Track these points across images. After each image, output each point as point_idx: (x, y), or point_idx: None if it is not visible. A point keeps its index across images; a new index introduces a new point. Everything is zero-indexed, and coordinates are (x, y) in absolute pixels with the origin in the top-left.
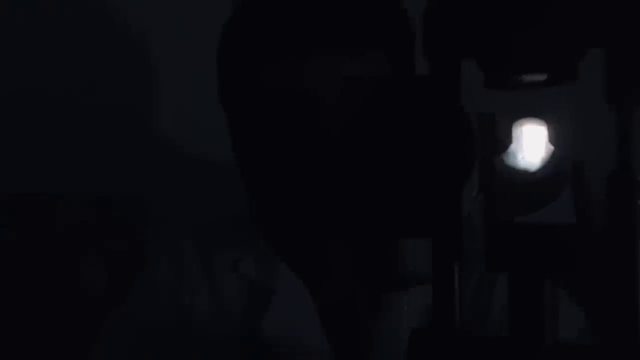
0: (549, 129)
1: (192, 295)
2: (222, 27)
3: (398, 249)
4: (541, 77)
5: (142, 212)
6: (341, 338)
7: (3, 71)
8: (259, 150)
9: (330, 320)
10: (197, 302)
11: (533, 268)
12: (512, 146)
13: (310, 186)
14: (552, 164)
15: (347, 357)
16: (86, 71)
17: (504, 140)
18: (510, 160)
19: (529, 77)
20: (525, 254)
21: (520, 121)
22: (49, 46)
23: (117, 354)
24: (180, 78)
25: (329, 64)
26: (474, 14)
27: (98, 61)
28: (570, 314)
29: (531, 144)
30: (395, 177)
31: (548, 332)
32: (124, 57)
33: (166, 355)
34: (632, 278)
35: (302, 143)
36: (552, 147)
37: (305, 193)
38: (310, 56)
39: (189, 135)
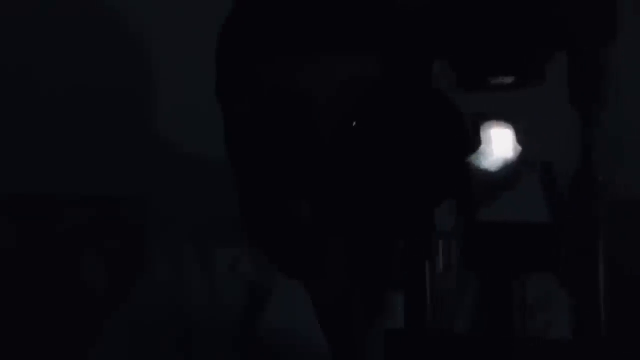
0: (517, 130)
1: (191, 295)
2: (221, 26)
3: (395, 248)
4: (509, 79)
5: (142, 212)
6: (340, 338)
7: (3, 71)
8: (253, 148)
9: (329, 320)
10: (197, 302)
11: (506, 267)
12: (482, 147)
13: (303, 185)
14: (520, 165)
15: (346, 357)
16: (86, 71)
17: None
18: (480, 161)
19: (496, 79)
20: (498, 252)
21: (488, 123)
22: (49, 46)
23: (117, 354)
24: (180, 78)
25: (324, 65)
26: (445, 16)
27: (97, 61)
28: (567, 313)
29: (499, 146)
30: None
31: (519, 329)
32: (124, 56)
33: (166, 355)
34: (594, 274)
35: (295, 143)
36: (519, 148)
37: (298, 192)
38: (307, 56)
39: (189, 135)
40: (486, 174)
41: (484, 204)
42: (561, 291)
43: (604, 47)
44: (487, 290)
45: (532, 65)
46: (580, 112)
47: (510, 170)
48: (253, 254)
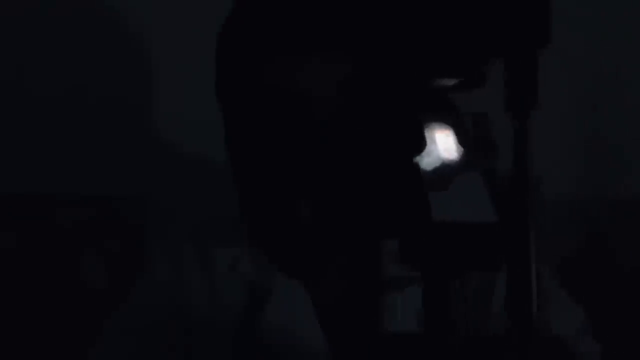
0: (459, 132)
1: (191, 295)
2: (221, 26)
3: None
4: (450, 82)
5: (142, 212)
6: (339, 338)
7: (3, 71)
8: (253, 148)
9: (329, 320)
10: (197, 302)
11: (449, 266)
12: (427, 148)
13: (303, 185)
14: (464, 166)
15: (345, 356)
16: (86, 71)
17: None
18: (424, 162)
19: (439, 81)
20: (442, 252)
21: (431, 124)
22: (49, 46)
23: (117, 354)
24: (180, 78)
25: (324, 65)
26: (390, 19)
27: (98, 61)
28: (569, 313)
29: (442, 146)
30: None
31: (461, 327)
32: (124, 56)
33: (166, 355)
34: (527, 271)
35: (294, 142)
36: (462, 150)
37: (298, 192)
38: (306, 56)
39: (189, 135)
40: (430, 174)
41: (431, 203)
42: (561, 291)
43: (539, 52)
44: (429, 290)
45: (474, 69)
46: (514, 114)
47: (454, 171)
48: (253, 254)
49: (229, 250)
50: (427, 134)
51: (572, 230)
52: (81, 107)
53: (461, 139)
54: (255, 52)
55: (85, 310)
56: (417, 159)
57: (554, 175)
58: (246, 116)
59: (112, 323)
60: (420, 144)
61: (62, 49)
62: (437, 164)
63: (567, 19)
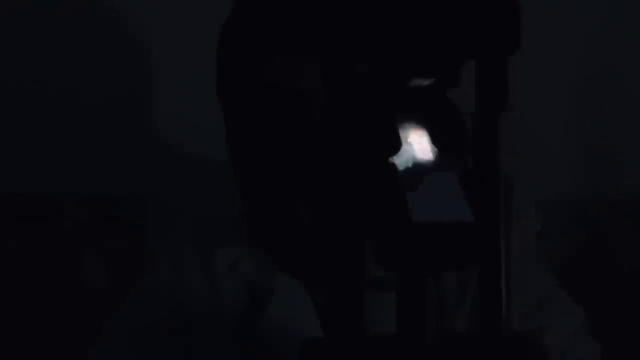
0: (434, 132)
1: (191, 295)
2: (221, 26)
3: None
4: (424, 82)
5: (142, 212)
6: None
7: (3, 72)
8: (253, 148)
9: (329, 320)
10: (197, 302)
11: (426, 266)
12: (402, 148)
13: (303, 185)
14: (438, 166)
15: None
16: (86, 71)
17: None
18: (399, 162)
19: (413, 81)
20: (420, 252)
21: (405, 124)
22: (49, 46)
23: (117, 354)
24: (180, 78)
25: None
26: (362, 19)
27: (98, 61)
28: (569, 313)
29: (417, 147)
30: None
31: (430, 329)
32: (124, 56)
33: (166, 354)
34: (497, 270)
35: (295, 142)
36: (436, 150)
37: (298, 192)
38: (306, 56)
39: (189, 135)
40: (404, 174)
41: (407, 203)
42: (561, 291)
43: (509, 55)
44: (403, 290)
45: (447, 69)
46: (485, 116)
47: (428, 171)
48: (253, 254)
49: (229, 250)
50: (401, 134)
51: (572, 230)
52: (81, 107)
53: (435, 139)
54: (256, 52)
55: (85, 310)
56: (393, 159)
57: (554, 175)
58: (247, 116)
59: (112, 323)
60: (395, 144)
61: (61, 49)
62: (411, 164)
63: (567, 19)
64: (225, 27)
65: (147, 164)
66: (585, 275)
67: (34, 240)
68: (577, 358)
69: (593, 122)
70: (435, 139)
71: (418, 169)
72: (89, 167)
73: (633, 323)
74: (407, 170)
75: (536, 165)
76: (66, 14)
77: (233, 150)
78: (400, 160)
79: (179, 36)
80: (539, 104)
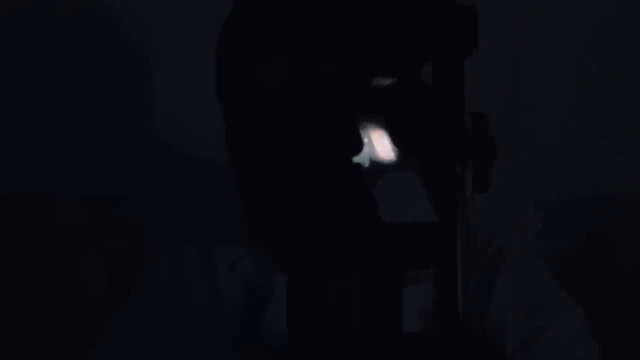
0: (395, 132)
1: (191, 294)
2: (221, 27)
3: None
4: (387, 81)
5: (142, 212)
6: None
7: (3, 72)
8: (253, 148)
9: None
10: (197, 302)
11: (392, 265)
12: (364, 148)
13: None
14: (399, 166)
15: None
16: (86, 71)
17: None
18: (360, 161)
19: (375, 81)
20: (385, 252)
21: (365, 124)
22: (48, 46)
23: (117, 354)
24: (180, 78)
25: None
26: (328, 21)
27: (98, 61)
28: (568, 313)
29: (378, 146)
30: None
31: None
32: (124, 57)
33: (166, 354)
34: (454, 272)
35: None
36: (397, 150)
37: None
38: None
39: (189, 135)
40: (367, 174)
41: (376, 205)
42: (561, 291)
43: (466, 57)
44: (367, 289)
45: (408, 70)
46: (443, 114)
47: (391, 170)
48: (253, 254)
49: (229, 250)
50: (362, 134)
51: (572, 230)
52: (81, 107)
53: (396, 139)
54: (256, 52)
55: (86, 310)
56: (356, 159)
57: (554, 175)
58: (246, 116)
59: (112, 323)
60: (357, 144)
61: (61, 49)
62: (373, 163)
63: (567, 18)
64: (225, 27)
65: (147, 164)
66: (585, 275)
67: (34, 240)
68: (577, 358)
69: (593, 122)
70: (395, 139)
71: (380, 168)
72: (89, 167)
73: (633, 323)
74: (369, 170)
75: (536, 165)
76: (66, 14)
77: (233, 150)
78: (362, 160)
79: (179, 36)
80: (539, 104)
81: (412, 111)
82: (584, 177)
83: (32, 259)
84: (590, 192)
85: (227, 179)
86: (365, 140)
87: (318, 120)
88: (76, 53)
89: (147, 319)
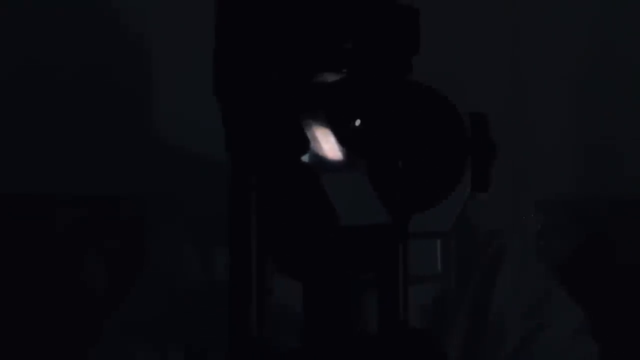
0: (342, 131)
1: (191, 295)
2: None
3: None
4: (332, 77)
5: (142, 212)
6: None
7: (3, 71)
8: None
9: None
10: (197, 302)
11: (347, 268)
12: (311, 147)
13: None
14: (347, 166)
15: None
16: (86, 71)
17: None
18: (309, 161)
19: (320, 76)
20: (339, 255)
21: (309, 122)
22: (48, 46)
23: (117, 353)
24: (180, 77)
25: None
26: (274, 21)
27: (98, 61)
28: (568, 312)
29: (324, 145)
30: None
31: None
32: (124, 56)
33: (166, 354)
34: (395, 272)
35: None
36: (345, 149)
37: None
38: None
39: (189, 135)
40: (314, 172)
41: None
42: (561, 291)
43: (409, 59)
44: (327, 293)
45: (354, 66)
46: (387, 114)
47: (338, 170)
48: None
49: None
50: (308, 133)
51: (572, 230)
52: (81, 107)
53: (341, 138)
54: (255, 52)
55: (86, 310)
56: (303, 158)
57: (554, 175)
58: (246, 116)
59: (112, 323)
60: (304, 144)
61: (61, 49)
62: (319, 163)
63: (567, 18)
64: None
65: (147, 164)
66: (585, 275)
67: (33, 240)
68: (577, 358)
69: (593, 121)
70: (340, 139)
71: (327, 168)
72: (89, 167)
73: (633, 323)
74: (316, 168)
75: (536, 165)
76: (66, 14)
77: (233, 150)
78: (309, 160)
79: (179, 36)
80: (539, 104)
81: (355, 108)
82: (584, 177)
83: (32, 259)
84: (590, 192)
85: (226, 179)
86: (313, 140)
87: (263, 121)
88: (76, 53)
89: (147, 319)
